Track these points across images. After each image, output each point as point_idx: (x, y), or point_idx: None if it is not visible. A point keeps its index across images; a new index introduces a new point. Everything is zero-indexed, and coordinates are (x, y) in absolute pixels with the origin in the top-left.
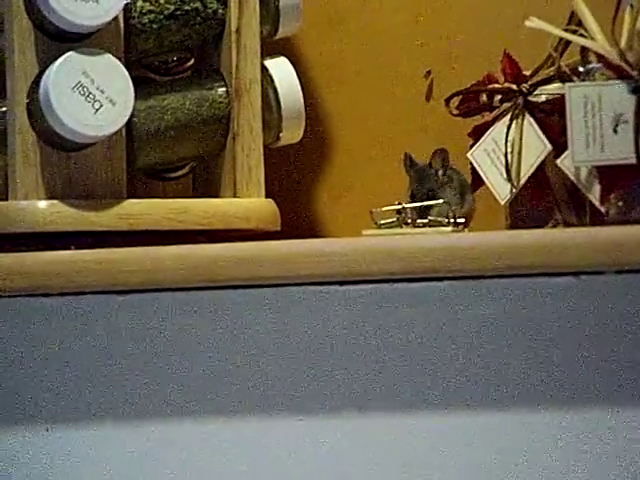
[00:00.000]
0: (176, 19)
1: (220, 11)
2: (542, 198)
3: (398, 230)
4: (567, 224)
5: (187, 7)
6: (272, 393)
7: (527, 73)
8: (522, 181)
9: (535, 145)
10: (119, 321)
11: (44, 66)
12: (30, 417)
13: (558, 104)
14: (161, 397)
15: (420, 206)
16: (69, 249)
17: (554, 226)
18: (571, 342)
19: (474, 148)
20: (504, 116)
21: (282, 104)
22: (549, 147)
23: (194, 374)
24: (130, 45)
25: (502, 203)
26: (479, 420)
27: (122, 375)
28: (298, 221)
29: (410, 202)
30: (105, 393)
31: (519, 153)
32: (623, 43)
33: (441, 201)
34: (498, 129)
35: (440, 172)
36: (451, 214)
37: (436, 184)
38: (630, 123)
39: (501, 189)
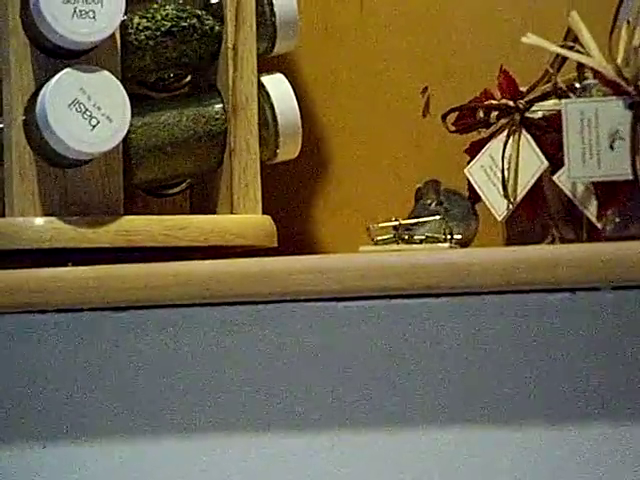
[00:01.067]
0: (173, 36)
1: (217, 28)
2: (539, 214)
3: (395, 246)
4: (563, 240)
5: (184, 24)
6: (268, 409)
7: (524, 89)
8: (519, 197)
9: (532, 161)
10: (116, 338)
11: (41, 83)
12: (27, 434)
13: (555, 120)
14: (159, 414)
15: (417, 222)
16: (66, 266)
17: (551, 242)
18: (567, 358)
19: (471, 164)
20: (501, 132)
21: (279, 120)
22: (546, 163)
23: (192, 391)
24: (127, 62)
25: (499, 219)
26: (475, 436)
27: (119, 392)
28: (295, 237)
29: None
30: (103, 410)
31: (516, 169)
32: (620, 59)
33: (437, 217)
34: (495, 145)
35: (434, 203)
36: (447, 230)
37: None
38: (626, 139)
39: (498, 205)
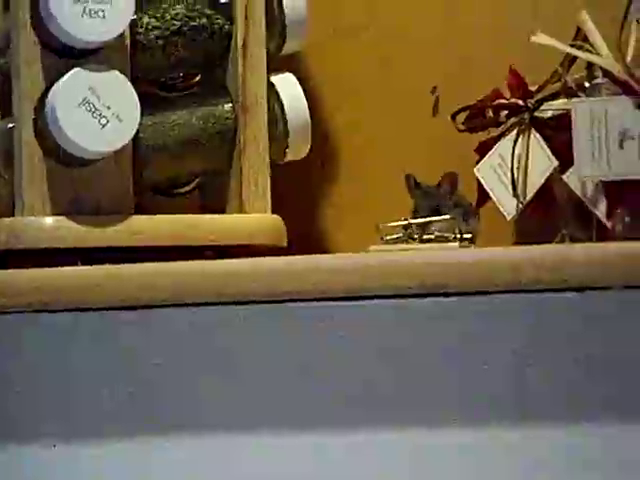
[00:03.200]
0: (182, 35)
1: (226, 27)
2: (548, 213)
3: (405, 245)
4: (573, 239)
5: (193, 23)
6: (277, 409)
7: (533, 88)
8: (528, 197)
9: (541, 161)
10: (126, 337)
11: (50, 82)
12: (38, 433)
13: (564, 119)
14: (168, 413)
15: (427, 222)
16: (75, 265)
17: (560, 242)
18: (576, 358)
19: (480, 163)
20: (510, 132)
21: (288, 120)
22: (555, 163)
23: (201, 390)
24: (136, 61)
25: (508, 219)
26: (484, 436)
27: (129, 391)
28: (304, 237)
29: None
30: (112, 409)
31: (525, 169)
32: (629, 58)
33: (447, 217)
34: (504, 145)
35: (448, 195)
36: (457, 230)
37: (443, 203)
38: (636, 138)
39: (507, 205)
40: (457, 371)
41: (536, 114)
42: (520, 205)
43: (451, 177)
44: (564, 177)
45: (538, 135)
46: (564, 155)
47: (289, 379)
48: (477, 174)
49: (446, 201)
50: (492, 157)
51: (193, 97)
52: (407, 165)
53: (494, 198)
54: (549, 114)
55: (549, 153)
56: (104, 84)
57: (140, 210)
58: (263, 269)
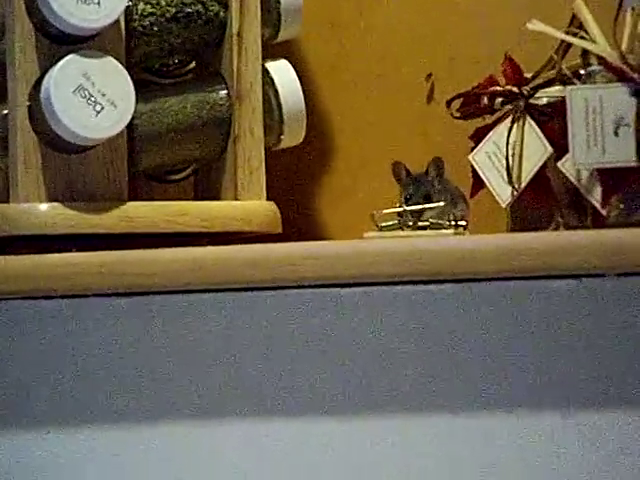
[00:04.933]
0: (177, 22)
1: (221, 14)
2: (543, 201)
3: (399, 233)
4: (568, 227)
5: (188, 10)
6: (273, 395)
7: (528, 76)
8: (523, 184)
9: (536, 148)
10: (120, 324)
11: (45, 69)
12: (31, 420)
13: (559, 107)
14: (164, 400)
15: (421, 209)
16: (70, 251)
17: (555, 229)
18: (572, 345)
19: (475, 151)
20: (505, 119)
21: (283, 106)
22: (550, 150)
23: (196, 377)
24: (131, 48)
25: (503, 206)
26: (479, 422)
27: (124, 378)
28: (299, 224)
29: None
30: (107, 396)
31: (520, 156)
32: (624, 46)
33: (442, 204)
34: (499, 132)
35: (436, 180)
36: (452, 216)
37: (432, 190)
38: (631, 126)
39: (502, 192)
40: (452, 358)
41: (531, 101)
42: (515, 192)
43: (437, 162)
44: (559, 164)
45: (533, 122)
46: (559, 142)
47: (281, 365)
48: (472, 161)
49: (434, 187)
50: (487, 144)
51: (188, 84)
52: (402, 152)
53: (489, 185)
54: (544, 101)
55: (544, 140)
56: (99, 71)
57: (134, 197)
58: (256, 256)
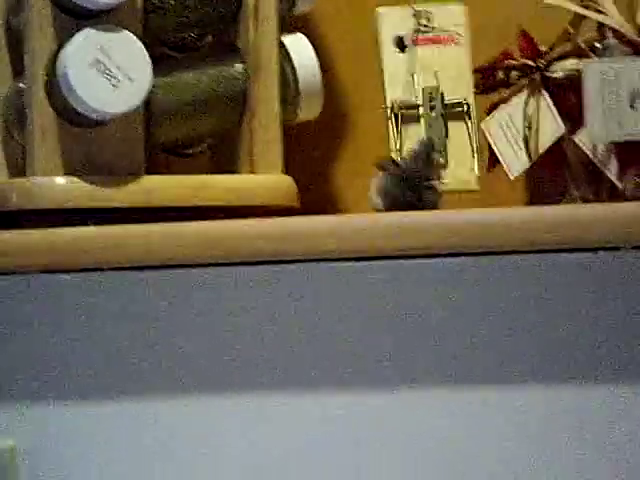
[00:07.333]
0: None
1: None
2: (559, 174)
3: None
4: (584, 200)
5: None
6: (288, 370)
7: (544, 49)
8: (537, 157)
9: (551, 123)
10: (137, 297)
11: (62, 43)
12: (49, 392)
13: (575, 80)
14: (178, 373)
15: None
16: (87, 225)
17: (569, 202)
18: (589, 317)
19: (487, 118)
20: (521, 92)
21: (300, 80)
22: (562, 128)
23: (208, 352)
24: (148, 22)
25: (512, 177)
26: (493, 396)
27: (140, 351)
28: (316, 197)
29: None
30: (125, 370)
31: (536, 129)
32: None
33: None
34: (514, 103)
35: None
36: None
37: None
38: None
39: (512, 163)
40: (469, 332)
41: (546, 74)
42: (530, 164)
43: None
44: (575, 138)
45: (548, 99)
46: (575, 115)
47: (296, 338)
48: (484, 129)
49: (417, 162)
50: (500, 114)
51: (204, 58)
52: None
53: (499, 155)
54: (560, 74)
55: (557, 118)
56: (116, 45)
57: (151, 170)
58: (273, 230)
